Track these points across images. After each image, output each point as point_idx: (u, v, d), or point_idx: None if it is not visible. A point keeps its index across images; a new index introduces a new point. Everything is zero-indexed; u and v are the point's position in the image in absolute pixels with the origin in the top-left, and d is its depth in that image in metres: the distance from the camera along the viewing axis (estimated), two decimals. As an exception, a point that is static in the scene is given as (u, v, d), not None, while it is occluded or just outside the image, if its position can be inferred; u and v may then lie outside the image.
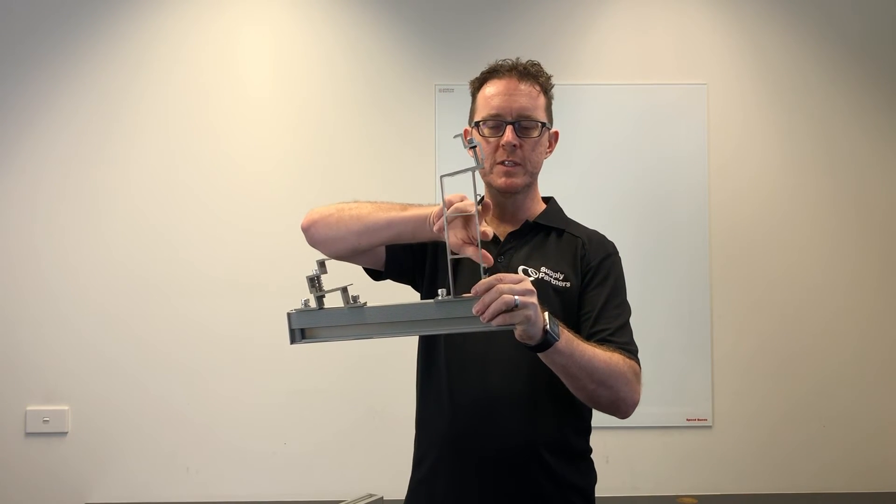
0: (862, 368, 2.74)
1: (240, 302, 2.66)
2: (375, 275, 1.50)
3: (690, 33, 2.79)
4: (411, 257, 1.49)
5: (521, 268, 1.43)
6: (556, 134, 1.52)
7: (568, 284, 1.43)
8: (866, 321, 2.75)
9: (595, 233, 1.53)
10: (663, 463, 2.70)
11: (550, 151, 1.52)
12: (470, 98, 1.53)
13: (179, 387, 2.64)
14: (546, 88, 1.48)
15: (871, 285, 2.76)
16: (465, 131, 1.51)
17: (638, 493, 2.68)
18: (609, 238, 1.53)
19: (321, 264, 1.21)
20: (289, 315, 1.21)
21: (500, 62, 1.48)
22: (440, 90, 2.72)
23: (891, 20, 2.80)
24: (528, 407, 1.38)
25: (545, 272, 1.43)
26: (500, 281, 1.13)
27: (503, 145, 1.42)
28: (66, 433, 2.62)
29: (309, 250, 2.65)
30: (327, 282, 1.24)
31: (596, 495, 1.49)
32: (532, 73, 1.46)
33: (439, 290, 1.18)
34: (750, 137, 2.77)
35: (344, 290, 1.21)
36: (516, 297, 1.12)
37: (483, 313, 1.13)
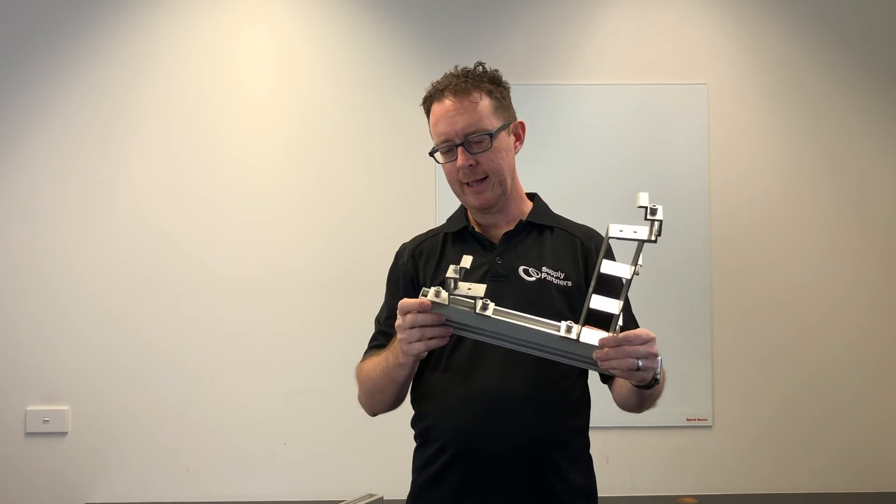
0: (863, 368, 2.74)
1: (240, 302, 2.66)
2: None
3: (690, 33, 2.79)
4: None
5: (521, 268, 1.43)
6: (522, 124, 1.50)
7: (570, 283, 1.43)
8: (867, 321, 2.75)
9: (586, 227, 1.54)
10: (663, 463, 2.70)
11: (520, 144, 1.50)
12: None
13: (180, 387, 2.64)
14: (490, 90, 1.43)
15: (871, 285, 2.76)
16: None
17: (638, 493, 2.68)
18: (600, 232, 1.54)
19: (461, 270, 1.15)
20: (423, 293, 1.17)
21: (438, 81, 1.45)
22: (440, 90, 2.71)
23: (890, 20, 2.80)
24: (535, 406, 1.38)
25: (546, 272, 1.43)
26: (629, 342, 1.15)
27: (460, 168, 1.42)
28: (66, 433, 2.63)
29: (309, 251, 2.65)
30: None
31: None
32: (467, 85, 1.41)
33: (564, 323, 1.17)
34: (750, 137, 2.77)
35: (475, 298, 1.16)
36: (640, 361, 1.15)
37: (603, 361, 1.16)
